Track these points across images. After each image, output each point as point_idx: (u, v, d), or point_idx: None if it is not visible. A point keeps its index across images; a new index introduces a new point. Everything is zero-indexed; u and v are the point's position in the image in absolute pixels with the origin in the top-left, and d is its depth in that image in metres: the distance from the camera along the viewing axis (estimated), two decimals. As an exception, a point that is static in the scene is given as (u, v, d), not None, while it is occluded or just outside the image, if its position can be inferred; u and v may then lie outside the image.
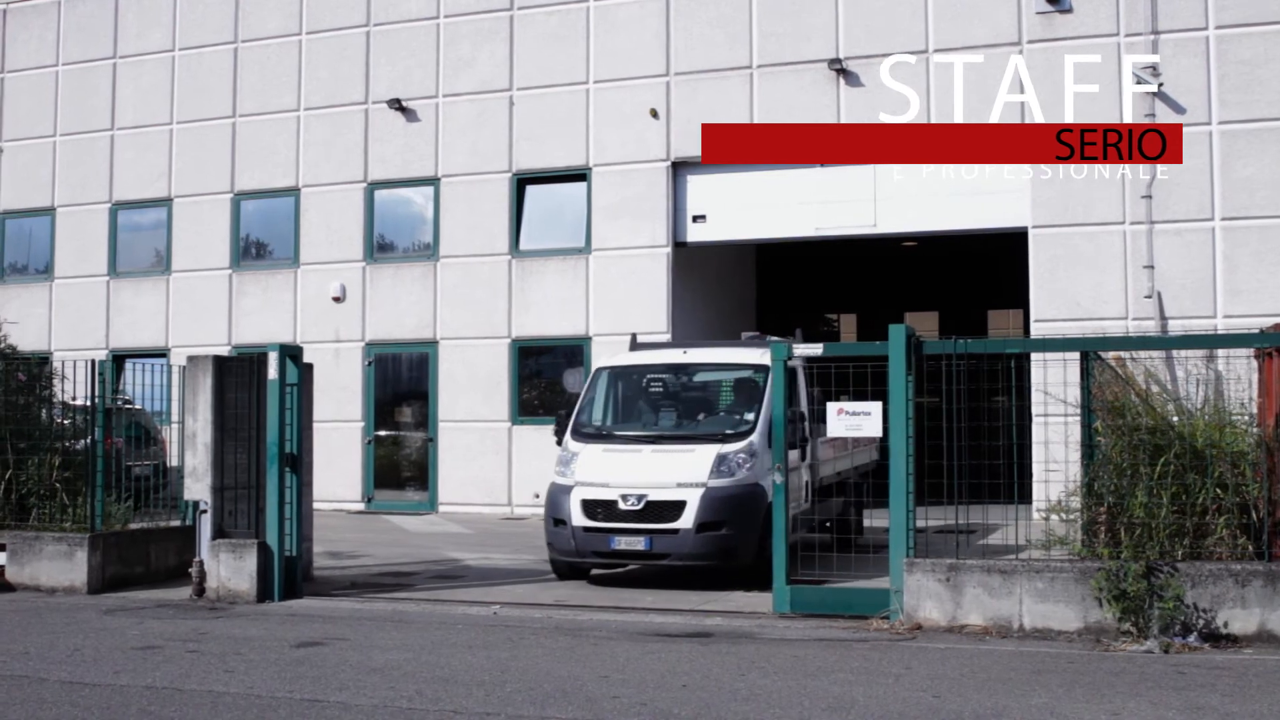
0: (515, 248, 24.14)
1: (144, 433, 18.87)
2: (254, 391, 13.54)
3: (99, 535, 14.20)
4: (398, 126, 25.05)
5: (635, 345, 16.59)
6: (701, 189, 23.09)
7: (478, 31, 24.56)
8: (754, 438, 13.54)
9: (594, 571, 14.37)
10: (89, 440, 14.52)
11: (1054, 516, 12.08)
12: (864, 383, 11.93)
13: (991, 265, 26.41)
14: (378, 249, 25.35)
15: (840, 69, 21.87)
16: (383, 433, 24.89)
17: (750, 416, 13.82)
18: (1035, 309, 20.93)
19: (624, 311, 22.98)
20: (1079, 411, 11.80)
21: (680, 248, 23.28)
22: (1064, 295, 20.63)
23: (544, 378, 24.25)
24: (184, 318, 26.63)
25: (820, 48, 22.17)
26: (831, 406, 12.21)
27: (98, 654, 10.09)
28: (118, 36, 27.74)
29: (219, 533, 13.53)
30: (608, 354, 22.95)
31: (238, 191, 26.44)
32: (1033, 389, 13.25)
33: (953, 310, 30.78)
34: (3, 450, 14.73)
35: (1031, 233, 20.96)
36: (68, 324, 27.57)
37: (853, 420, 11.90)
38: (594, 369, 16.29)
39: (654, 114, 23.05)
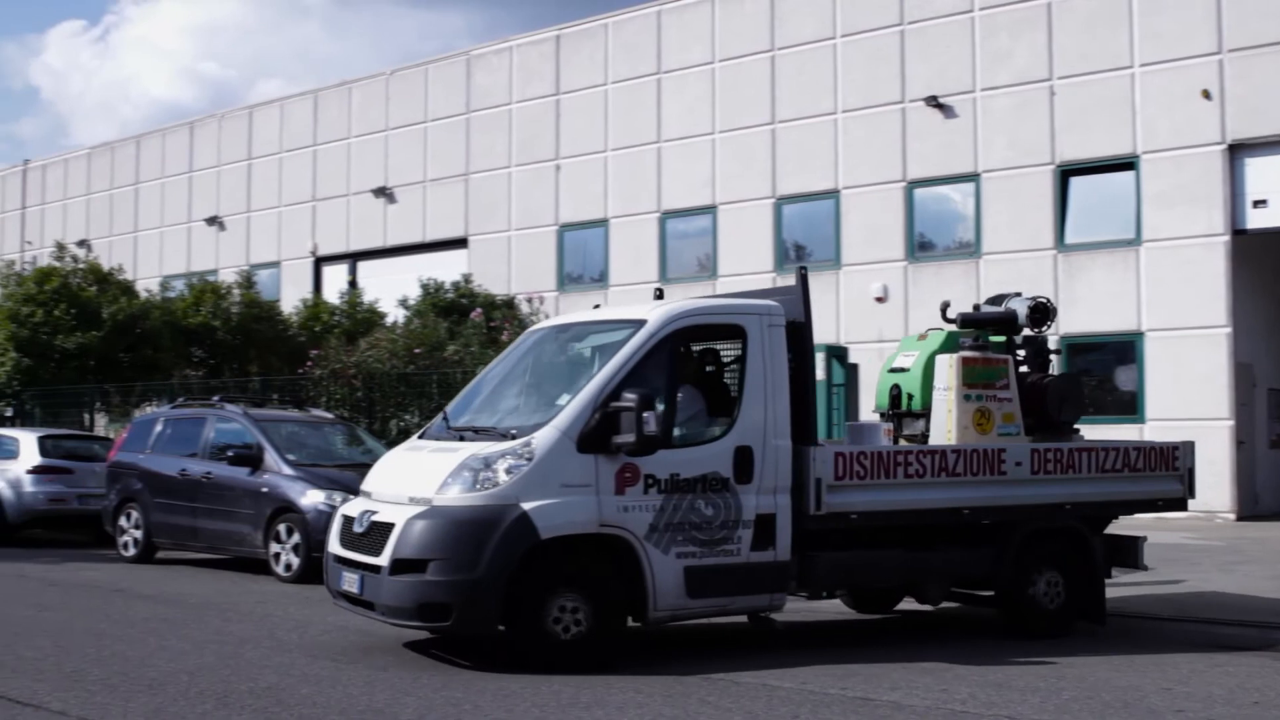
0: (1060, 242, 25.59)
1: None
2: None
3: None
4: (935, 123, 27.13)
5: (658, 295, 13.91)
6: (1262, 171, 23.70)
7: (1015, 22, 26.21)
8: (542, 433, 9.77)
9: None
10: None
11: None
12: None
13: None
14: (918, 248, 27.46)
15: None
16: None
17: (563, 401, 10.20)
18: None
19: (1177, 305, 24.03)
20: None
21: (1239, 235, 23.96)
22: None
23: (1093, 375, 25.42)
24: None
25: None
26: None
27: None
28: (661, 53, 31.57)
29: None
30: (1159, 350, 24.09)
31: (779, 196, 29.45)
32: None
33: None
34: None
35: None
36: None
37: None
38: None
39: (1206, 95, 23.83)
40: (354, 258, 38.09)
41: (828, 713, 8.34)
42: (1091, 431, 13.04)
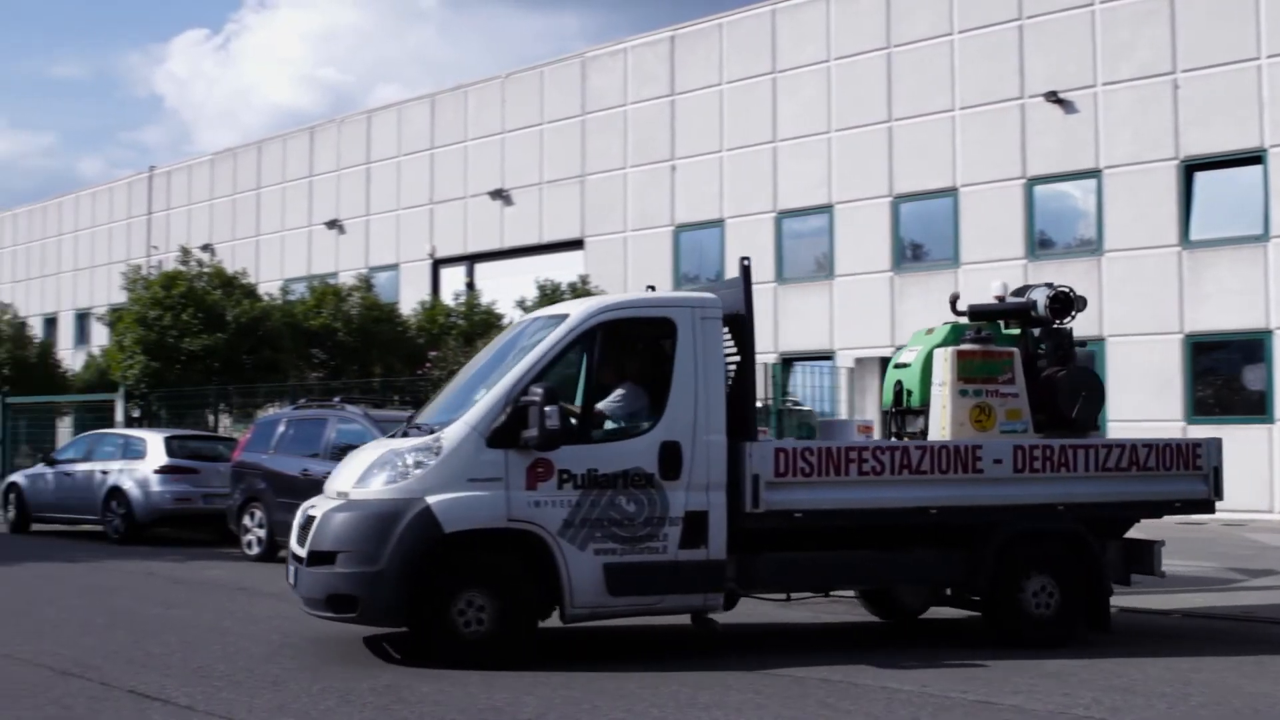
0: (1185, 238, 25.34)
1: (811, 433, 20.85)
2: (922, 392, 15.58)
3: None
4: (1054, 119, 27.01)
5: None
6: (1396, 164, 23.16)
7: (1136, 15, 26.06)
8: (450, 429, 9.93)
9: None
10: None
11: None
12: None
13: None
14: (1038, 246, 27.34)
15: None
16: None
17: (479, 396, 10.24)
18: None
19: (1309, 302, 23.59)
20: None
21: (1371, 229, 23.47)
22: None
23: (1219, 374, 25.17)
24: (847, 320, 30.05)
25: None
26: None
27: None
28: (775, 52, 31.74)
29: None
30: None
31: (896, 194, 29.47)
32: None
33: None
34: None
35: None
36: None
37: None
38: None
39: (1337, 86, 23.38)
40: (471, 259, 38.73)
41: (948, 716, 8.29)
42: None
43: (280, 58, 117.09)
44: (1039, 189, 27.56)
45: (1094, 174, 26.63)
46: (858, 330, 29.70)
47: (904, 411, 11.84)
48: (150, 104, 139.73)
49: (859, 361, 15.29)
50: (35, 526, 23.17)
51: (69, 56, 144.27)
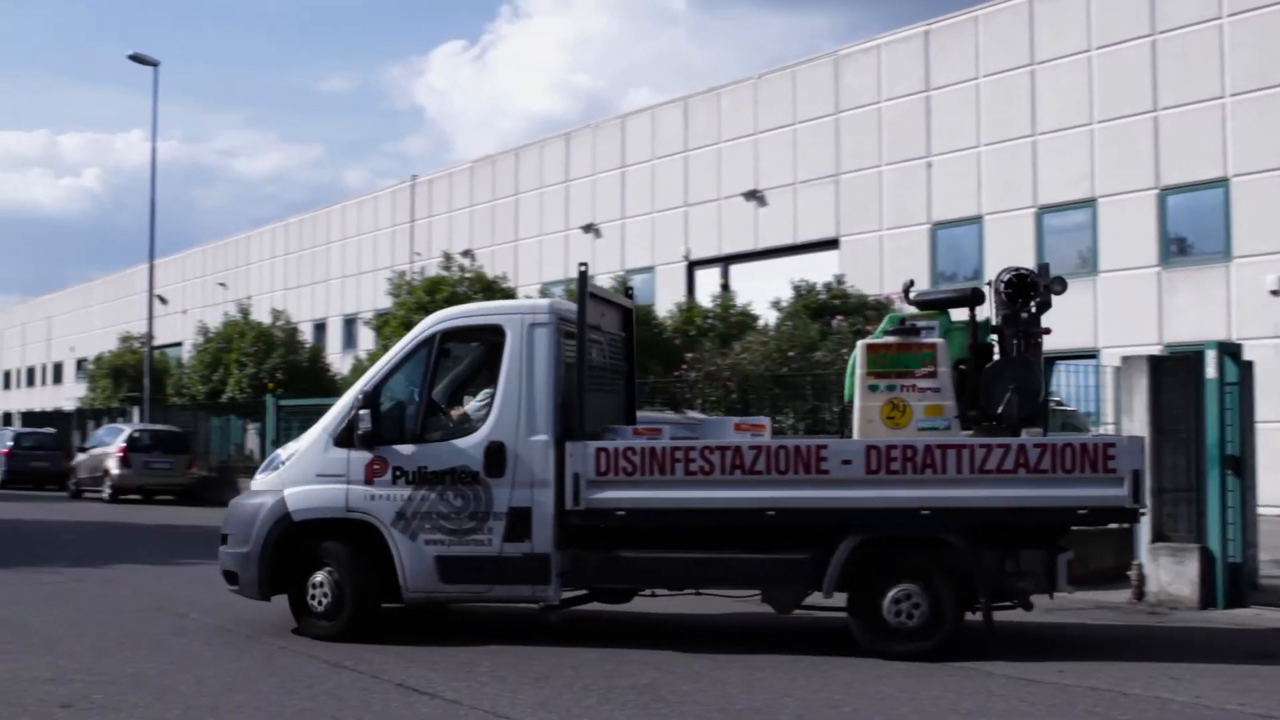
0: None
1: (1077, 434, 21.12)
2: (1191, 392, 14.25)
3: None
4: (1333, 104, 26.12)
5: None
6: None
7: None
8: (310, 431, 11.66)
9: None
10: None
11: None
12: None
13: None
14: (1318, 237, 26.57)
15: None
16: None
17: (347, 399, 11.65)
18: None
19: None
20: None
21: None
22: None
23: None
24: (1111, 317, 29.60)
25: None
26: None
27: (1043, 652, 10.67)
28: (1033, 44, 31.51)
29: (1158, 536, 14.27)
30: None
31: (1163, 186, 28.92)
32: None
33: None
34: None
35: None
36: (998, 329, 31.47)
37: None
38: None
39: None
40: (726, 261, 39.41)
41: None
42: None
43: (534, 65, 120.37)
44: (1318, 177, 26.75)
45: (1377, 160, 25.76)
46: (1123, 328, 29.24)
47: (847, 408, 11.60)
48: (412, 115, 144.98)
49: (1125, 360, 14.99)
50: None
51: (335, 73, 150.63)
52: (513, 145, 50.74)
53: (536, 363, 11.02)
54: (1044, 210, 31.34)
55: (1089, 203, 30.47)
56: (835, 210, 36.14)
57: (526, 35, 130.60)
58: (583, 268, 11.31)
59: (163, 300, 67.01)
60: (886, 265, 34.32)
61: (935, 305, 11.20)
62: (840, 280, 29.15)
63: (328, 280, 58.98)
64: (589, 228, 44.23)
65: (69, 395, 72.76)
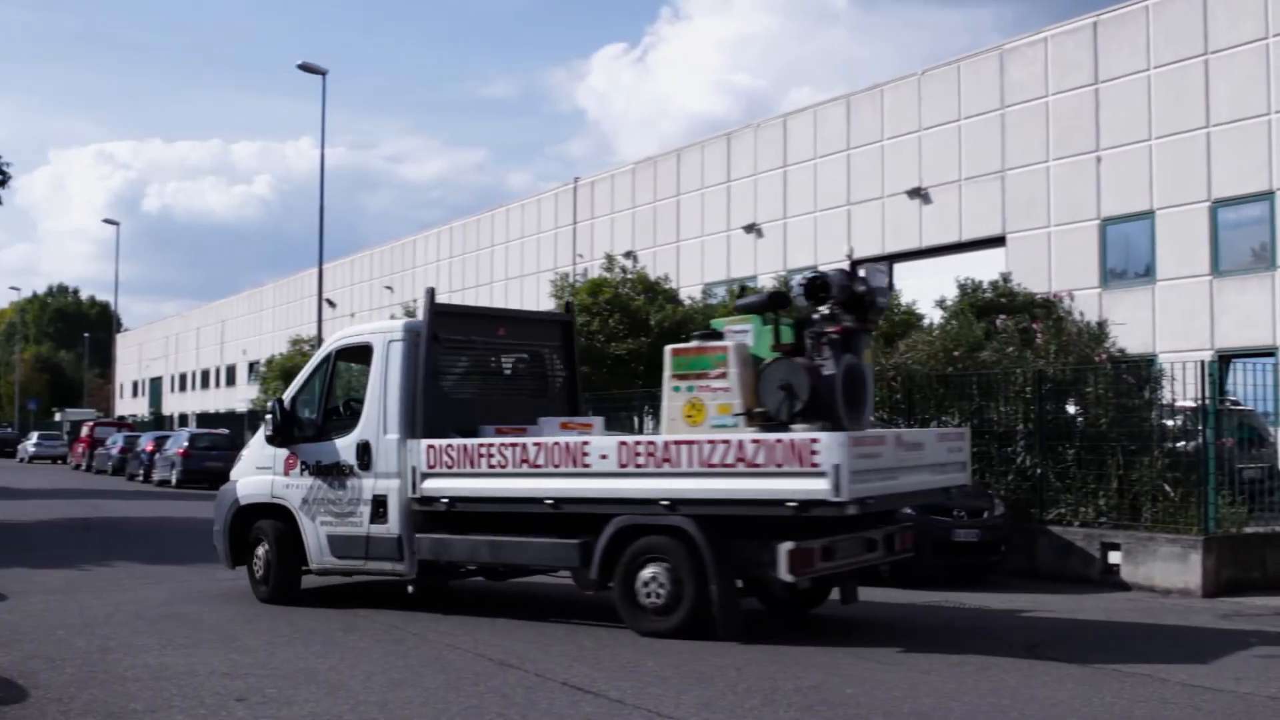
0: None
1: (1253, 434, 20.13)
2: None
3: (1212, 538, 15.29)
4: None
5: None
6: None
7: None
8: (259, 431, 14.90)
9: None
10: (1198, 442, 15.91)
11: None
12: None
13: None
14: None
15: None
16: None
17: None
18: None
19: None
20: None
21: None
22: None
23: None
24: (1291, 314, 29.02)
25: None
26: None
27: (1218, 659, 10.70)
28: (1207, 33, 31.04)
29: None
30: None
31: (1343, 178, 28.29)
32: None
33: None
34: (1114, 452, 16.53)
35: None
36: (1170, 325, 31.20)
37: None
38: None
39: None
40: (890, 259, 39.35)
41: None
42: None
43: (695, 66, 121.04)
44: None
45: None
46: (1304, 324, 28.74)
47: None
48: (573, 118, 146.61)
49: (1309, 357, 14.89)
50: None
51: (499, 77, 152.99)
52: (674, 146, 51.38)
53: (390, 374, 13.36)
54: (1219, 204, 30.83)
55: (1266, 195, 29.87)
56: (1001, 207, 35.94)
57: (687, 36, 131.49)
58: (430, 289, 13.81)
59: (331, 304, 69.07)
60: (1055, 262, 34.06)
61: (754, 309, 12.06)
62: (1006, 278, 29.06)
63: (491, 283, 60.14)
64: (751, 228, 44.53)
65: (242, 397, 75.43)
